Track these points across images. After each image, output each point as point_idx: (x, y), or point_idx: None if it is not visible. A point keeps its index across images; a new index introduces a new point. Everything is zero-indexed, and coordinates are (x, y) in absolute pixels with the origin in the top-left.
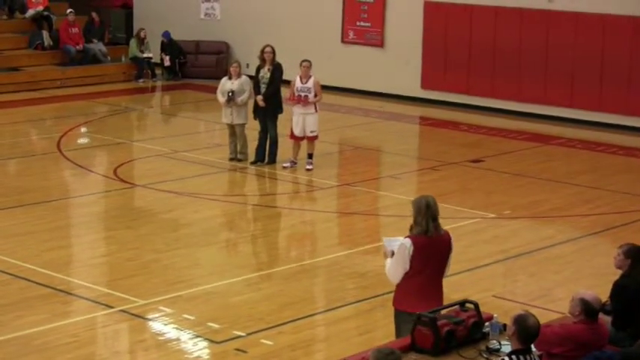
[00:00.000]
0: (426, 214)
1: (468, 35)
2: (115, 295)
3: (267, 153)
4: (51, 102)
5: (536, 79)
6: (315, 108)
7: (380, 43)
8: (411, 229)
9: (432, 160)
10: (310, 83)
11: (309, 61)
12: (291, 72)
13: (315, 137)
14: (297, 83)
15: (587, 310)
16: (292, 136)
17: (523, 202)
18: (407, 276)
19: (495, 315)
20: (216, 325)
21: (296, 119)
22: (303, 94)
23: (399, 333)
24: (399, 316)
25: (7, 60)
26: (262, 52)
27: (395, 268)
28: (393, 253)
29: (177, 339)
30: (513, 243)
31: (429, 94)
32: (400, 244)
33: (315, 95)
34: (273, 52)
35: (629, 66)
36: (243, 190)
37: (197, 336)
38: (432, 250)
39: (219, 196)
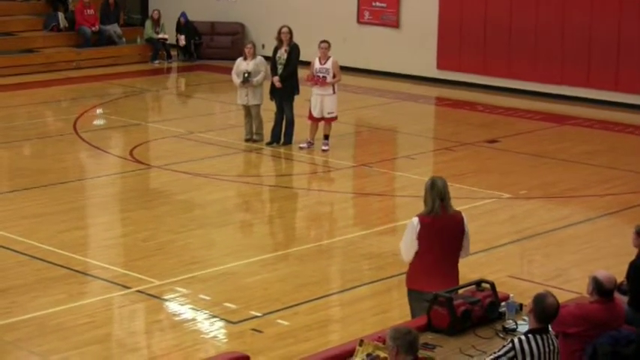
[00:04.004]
0: (431, 193)
1: (484, 15)
2: (131, 276)
3: (283, 134)
4: (66, 83)
5: (553, 59)
6: (334, 89)
7: (395, 24)
8: None
9: (448, 140)
10: (329, 64)
11: (327, 42)
12: (306, 53)
13: (334, 119)
14: (316, 64)
15: (600, 288)
16: (310, 116)
17: (539, 183)
18: (417, 255)
19: (511, 295)
20: (232, 306)
21: (314, 100)
22: (321, 75)
23: (411, 312)
24: (410, 295)
25: (22, 42)
26: (279, 32)
27: (405, 246)
28: None
29: (194, 319)
30: (529, 223)
31: (444, 74)
32: (409, 222)
33: (334, 76)
34: (291, 32)
35: None
36: (259, 170)
37: (213, 316)
38: (439, 229)
39: (235, 177)
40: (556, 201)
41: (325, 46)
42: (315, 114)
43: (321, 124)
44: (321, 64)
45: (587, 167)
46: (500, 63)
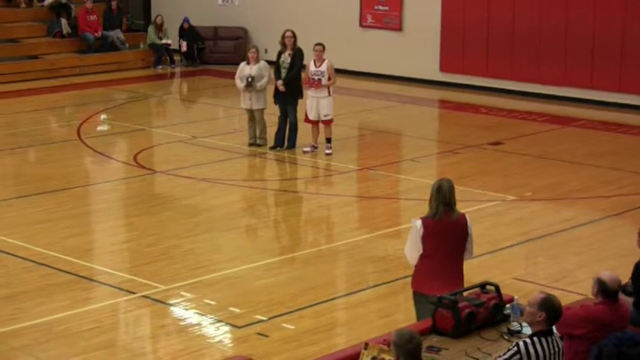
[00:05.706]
0: (436, 197)
1: (487, 17)
2: (136, 281)
3: (286, 138)
4: (70, 89)
5: (556, 61)
6: (329, 92)
7: (398, 27)
8: None
9: (452, 143)
10: (323, 67)
11: (321, 45)
12: (309, 57)
13: (330, 121)
14: (311, 67)
15: (604, 290)
16: (307, 119)
17: (543, 184)
18: (421, 258)
19: (516, 297)
20: (237, 310)
21: (310, 103)
22: (316, 78)
23: (417, 314)
24: (415, 297)
25: (26, 48)
26: (283, 37)
27: (409, 249)
28: None
29: (199, 324)
30: (534, 225)
31: (448, 77)
32: (412, 225)
33: (329, 79)
34: (294, 36)
35: None
36: (263, 175)
37: (218, 321)
38: (442, 232)
39: (239, 181)
40: (561, 202)
41: (320, 48)
42: (312, 117)
43: (322, 127)
44: (316, 66)
45: (591, 169)
46: (504, 65)
